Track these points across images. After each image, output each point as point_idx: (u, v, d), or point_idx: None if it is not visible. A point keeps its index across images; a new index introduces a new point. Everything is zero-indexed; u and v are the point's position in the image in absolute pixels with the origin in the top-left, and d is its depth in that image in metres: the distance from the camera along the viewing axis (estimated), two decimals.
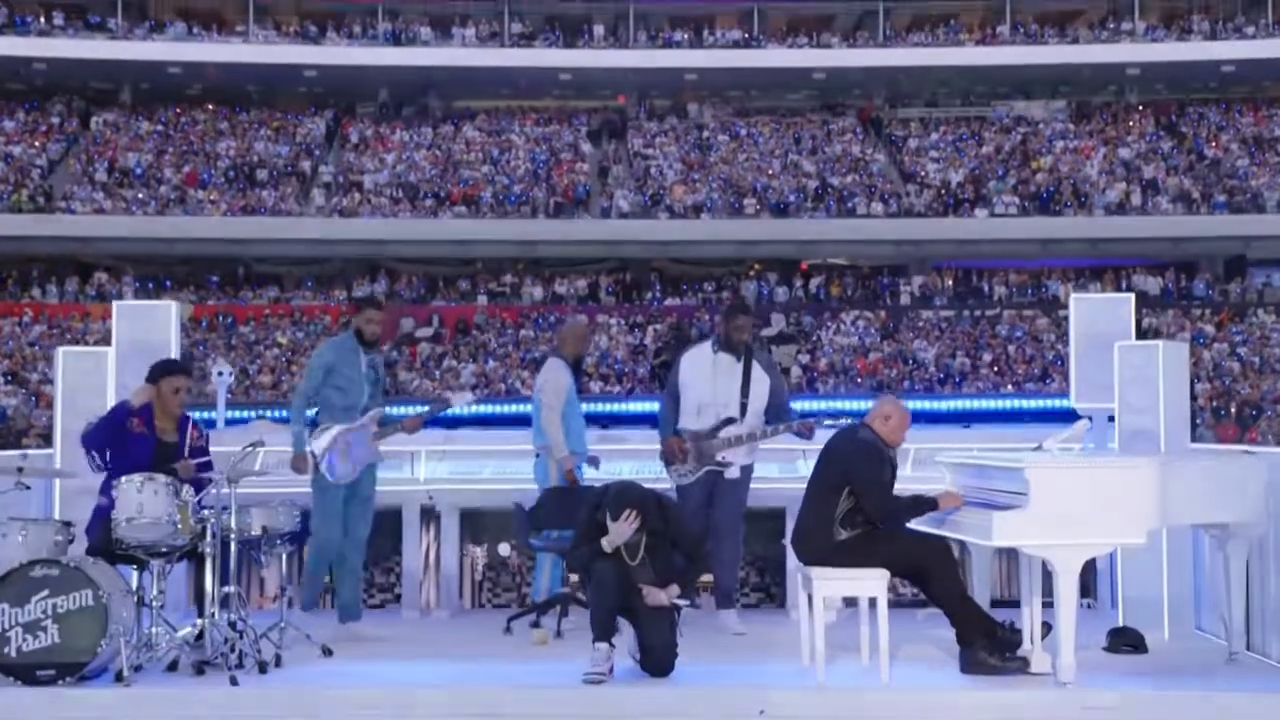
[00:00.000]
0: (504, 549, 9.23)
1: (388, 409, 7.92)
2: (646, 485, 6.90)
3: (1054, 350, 29.81)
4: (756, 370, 8.04)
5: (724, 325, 8.09)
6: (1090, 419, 8.27)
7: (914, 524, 6.99)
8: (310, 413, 7.74)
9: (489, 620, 8.24)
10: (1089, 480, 6.16)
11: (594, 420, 9.59)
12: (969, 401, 9.36)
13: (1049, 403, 9.33)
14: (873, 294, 35.35)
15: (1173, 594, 7.57)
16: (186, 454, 7.16)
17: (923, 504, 6.73)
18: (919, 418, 9.55)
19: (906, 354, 31.51)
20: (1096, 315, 8.29)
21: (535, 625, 7.90)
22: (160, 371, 7.31)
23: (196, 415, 7.54)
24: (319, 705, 6.13)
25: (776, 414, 8.06)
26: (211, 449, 7.31)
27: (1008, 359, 31.12)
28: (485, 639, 7.71)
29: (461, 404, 8.05)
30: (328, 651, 7.07)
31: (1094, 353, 8.13)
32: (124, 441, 7.07)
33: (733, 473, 8.04)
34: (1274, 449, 7.25)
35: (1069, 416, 8.98)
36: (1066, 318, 33.27)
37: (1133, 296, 8.27)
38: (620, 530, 6.59)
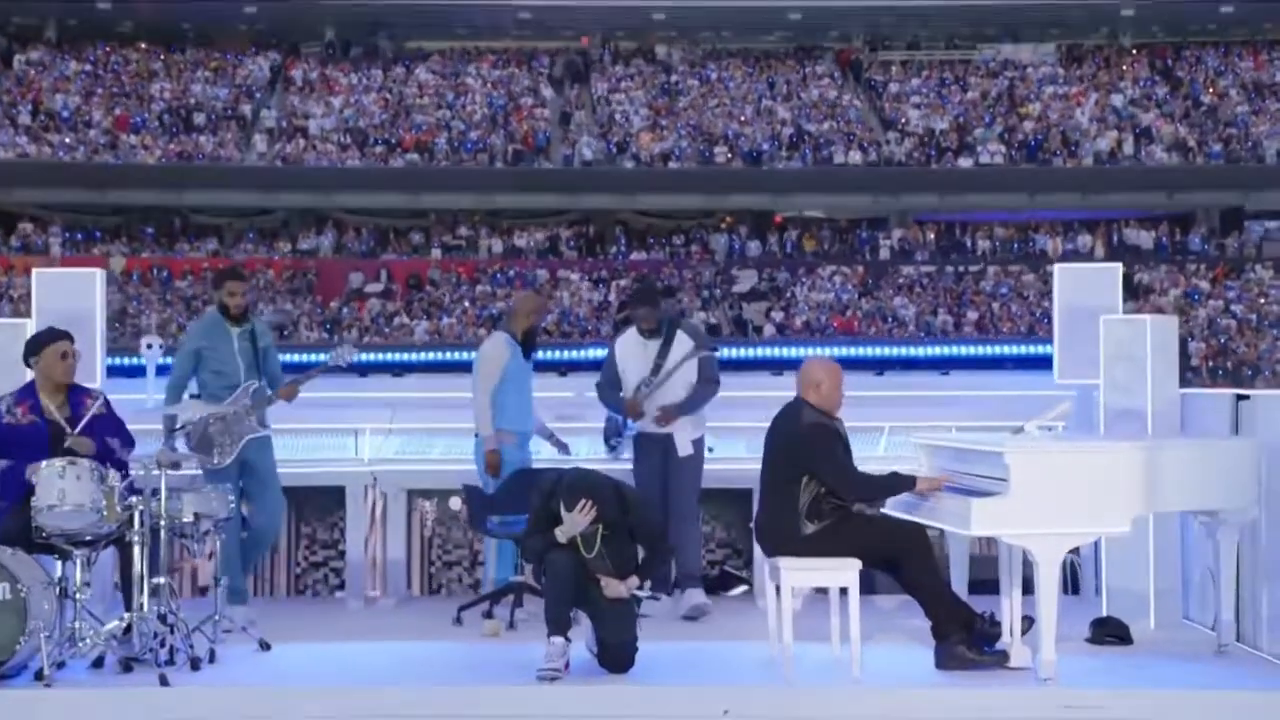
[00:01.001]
0: (455, 503, 9.24)
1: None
2: (604, 472, 6.87)
3: (1040, 308, 29.94)
4: (680, 337, 8.27)
5: (634, 315, 8.39)
6: (1074, 395, 8.29)
7: (888, 509, 7.02)
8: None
9: (438, 609, 8.21)
10: (1071, 466, 6.17)
11: (551, 366, 9.56)
12: (948, 348, 9.39)
13: (1031, 349, 9.37)
14: (850, 248, 35.40)
15: (1159, 582, 7.61)
16: (80, 429, 6.87)
17: (900, 482, 6.72)
18: (895, 364, 9.56)
19: (886, 311, 31.58)
20: (1082, 285, 8.28)
21: (488, 615, 7.89)
22: (38, 345, 7.05)
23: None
24: (254, 705, 6.09)
25: (712, 375, 8.26)
26: (139, 431, 7.24)
27: (992, 316, 31.25)
28: (434, 630, 7.69)
29: (343, 361, 7.98)
30: (265, 646, 7.03)
31: (1079, 325, 8.13)
32: (9, 440, 6.85)
33: (684, 449, 8.17)
34: (1270, 391, 7.22)
35: (1050, 363, 9.04)
36: (1054, 273, 33.23)
37: (1120, 266, 8.26)
38: (575, 521, 6.56)
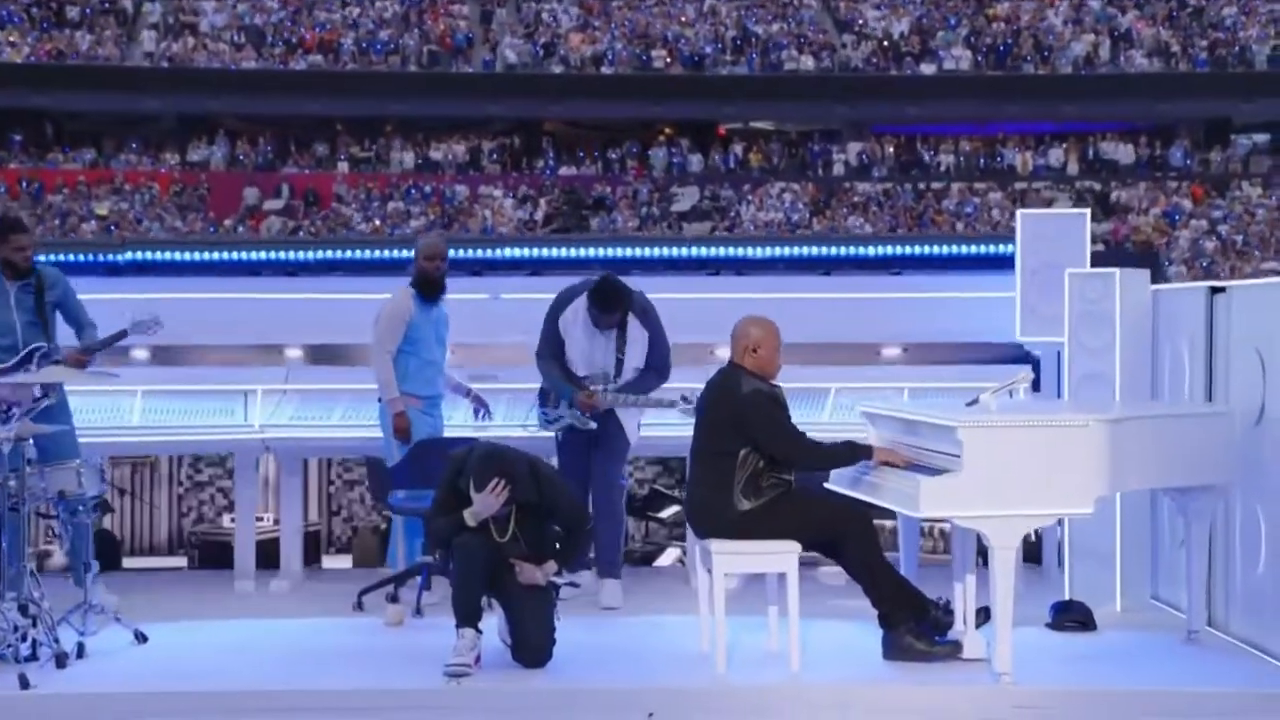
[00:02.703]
0: None
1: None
2: (518, 448, 6.84)
3: (1007, 229, 30.03)
4: (633, 326, 8.12)
5: (590, 310, 8.11)
6: (1037, 359, 8.35)
7: (830, 485, 7.04)
8: None
9: (336, 591, 8.18)
10: (1030, 442, 6.18)
11: (467, 264, 9.51)
12: (899, 247, 9.42)
13: (988, 248, 9.42)
14: (801, 163, 35.36)
15: (1127, 561, 7.71)
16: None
17: (856, 451, 6.71)
18: (842, 264, 9.60)
19: (840, 232, 31.60)
20: (1047, 234, 8.30)
21: (392, 599, 7.88)
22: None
23: None
24: (127, 710, 6.02)
25: (659, 364, 8.15)
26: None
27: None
28: (332, 616, 7.67)
29: (145, 331, 7.86)
30: (141, 637, 6.98)
31: (1043, 278, 8.15)
32: None
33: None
34: (1248, 281, 7.29)
35: (1009, 264, 9.08)
36: (1023, 191, 33.29)
37: (1088, 214, 8.28)
38: (486, 502, 6.53)
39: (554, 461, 8.12)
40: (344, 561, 10.92)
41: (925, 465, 6.46)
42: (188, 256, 9.73)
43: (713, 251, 9.78)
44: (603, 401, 7.99)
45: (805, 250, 9.88)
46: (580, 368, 8.09)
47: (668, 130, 36.02)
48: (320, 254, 9.68)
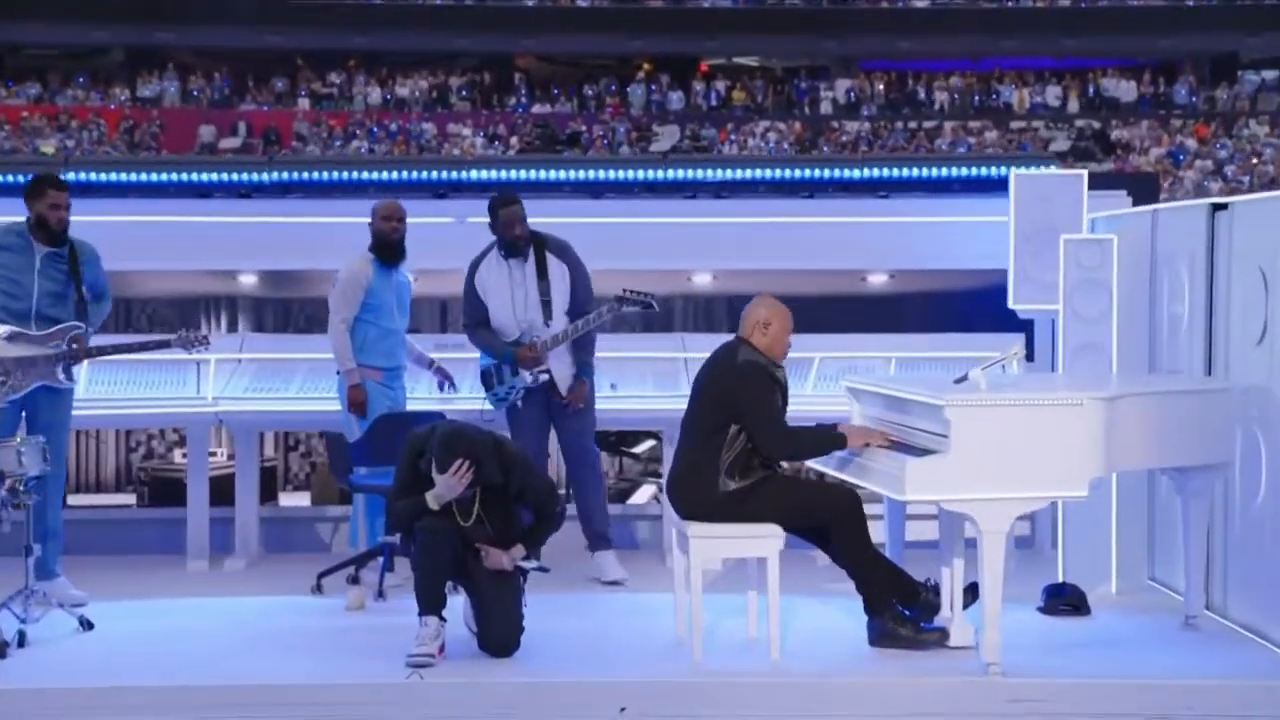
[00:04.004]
0: None
1: None
2: (482, 426, 6.82)
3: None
4: (552, 264, 8.11)
5: (495, 224, 8.13)
6: (1030, 324, 8.33)
7: (814, 464, 7.04)
8: None
9: (295, 571, 8.16)
10: (1021, 422, 6.16)
11: (431, 187, 9.49)
12: (887, 169, 9.33)
13: (980, 170, 9.35)
14: (787, 101, 35.29)
15: (1123, 540, 7.71)
16: None
17: (830, 440, 6.72)
18: (826, 186, 9.56)
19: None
20: (1041, 196, 8.26)
21: (354, 580, 7.87)
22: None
23: None
24: (68, 706, 5.98)
25: (581, 308, 8.15)
26: None
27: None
28: (290, 600, 7.67)
29: (185, 349, 7.85)
30: (87, 625, 6.95)
31: (1038, 242, 8.13)
32: None
33: (564, 387, 8.13)
34: (1251, 196, 7.30)
35: (1002, 187, 9.05)
36: (1020, 130, 33.12)
37: (1085, 175, 8.24)
38: (449, 485, 6.51)
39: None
40: (301, 499, 10.90)
41: (912, 445, 6.46)
42: (135, 178, 9.58)
43: (691, 174, 9.67)
44: (544, 349, 7.98)
45: (787, 173, 9.76)
46: (509, 330, 8.07)
47: (647, 66, 35.89)
48: (274, 175, 9.54)
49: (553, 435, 8.29)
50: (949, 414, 6.15)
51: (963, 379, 6.60)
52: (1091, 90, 35.29)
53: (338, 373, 8.14)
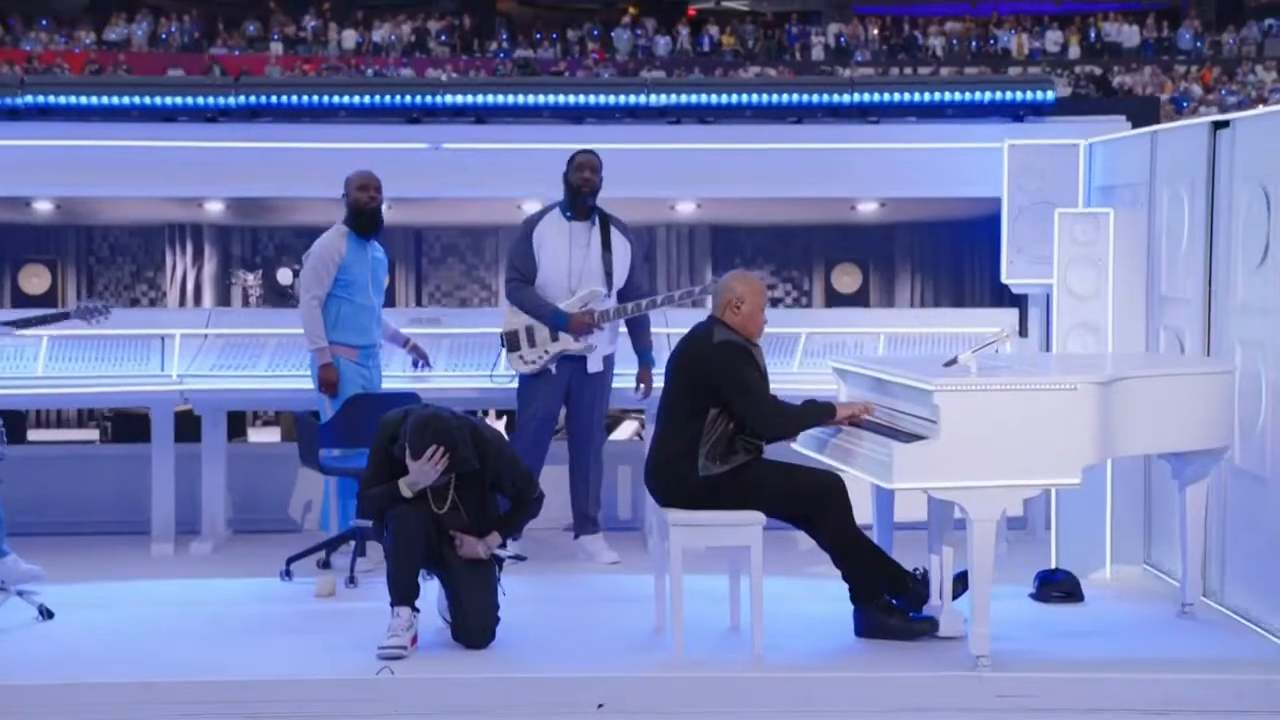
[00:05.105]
0: (284, 276, 9.11)
1: None
2: (457, 410, 6.79)
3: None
4: (616, 238, 8.14)
5: (568, 172, 8.13)
6: (1024, 298, 8.31)
7: (798, 448, 7.03)
8: None
9: (264, 555, 8.15)
10: (1012, 407, 6.14)
11: (404, 111, 9.45)
12: (878, 93, 9.18)
13: (975, 94, 9.25)
14: (778, 46, 35.12)
15: (1118, 524, 7.72)
16: None
17: (819, 411, 6.71)
18: (815, 111, 9.49)
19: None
20: (1037, 167, 8.24)
21: (324, 565, 7.87)
22: None
23: None
24: (25, 706, 5.94)
25: (635, 289, 8.23)
26: None
27: None
28: (257, 585, 7.67)
29: (85, 320, 7.82)
30: (46, 613, 6.93)
31: (1032, 213, 8.11)
32: None
33: (594, 365, 8.14)
34: (1259, 111, 7.27)
35: (1002, 111, 9.13)
36: (1019, 76, 33.10)
37: (1082, 145, 8.20)
38: (422, 471, 6.48)
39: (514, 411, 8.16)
40: (271, 434, 10.86)
41: (900, 429, 6.45)
42: (96, 100, 9.46)
43: (674, 98, 9.55)
44: (602, 319, 8.02)
45: (774, 97, 9.65)
46: (557, 292, 8.07)
47: (632, 9, 35.69)
48: (241, 99, 9.43)
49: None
50: (938, 399, 6.13)
51: (952, 362, 6.57)
52: (1093, 35, 35.17)
53: (310, 350, 8.10)
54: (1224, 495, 7.09)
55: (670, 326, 8.53)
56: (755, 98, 9.67)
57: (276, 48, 34.13)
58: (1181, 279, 7.46)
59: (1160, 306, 7.66)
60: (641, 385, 8.20)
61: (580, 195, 8.06)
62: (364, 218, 8.12)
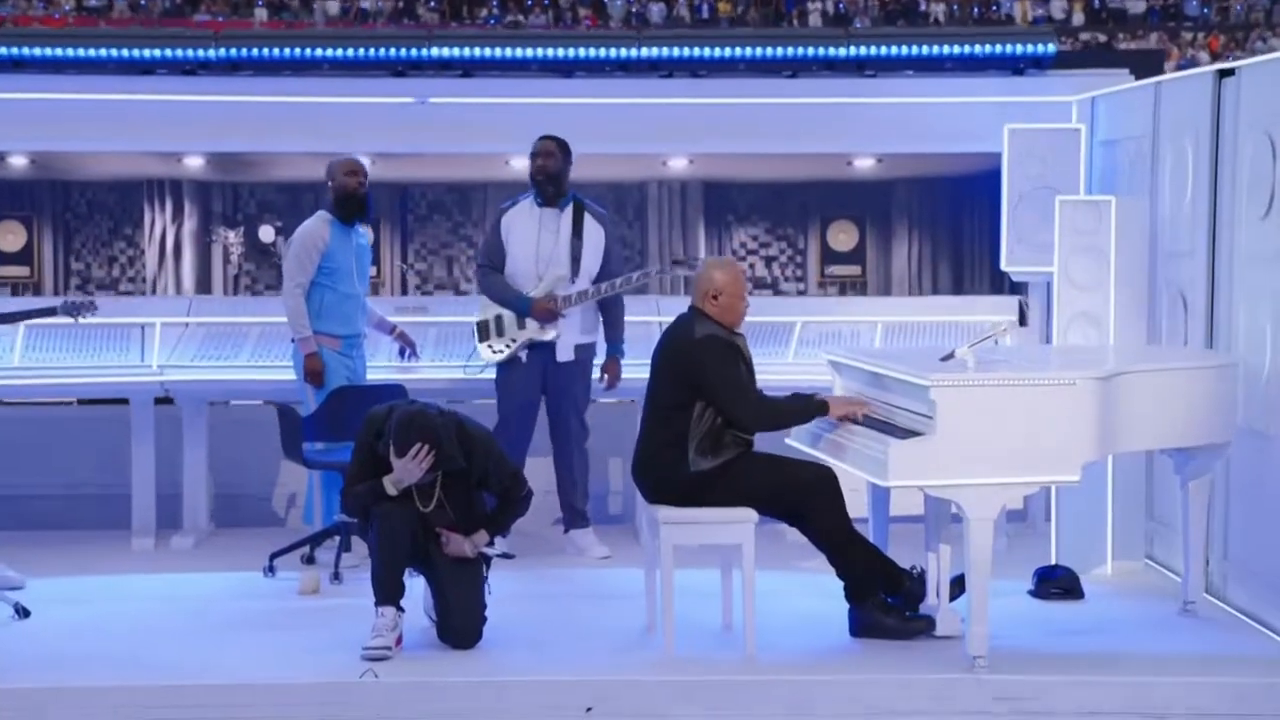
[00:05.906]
0: (266, 233, 9.09)
1: None
2: (443, 405, 6.79)
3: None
4: (589, 225, 8.17)
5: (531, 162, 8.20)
6: (1025, 292, 8.31)
7: (791, 443, 7.03)
8: None
9: (248, 548, 8.15)
10: (1011, 403, 6.14)
11: (389, 64, 9.46)
12: (874, 46, 9.09)
13: (975, 47, 9.19)
14: (775, 12, 34.95)
15: (1119, 519, 7.73)
16: None
17: (810, 407, 6.71)
18: (805, 64, 9.48)
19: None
20: (1037, 151, 8.23)
21: (308, 560, 7.89)
22: None
23: None
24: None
25: (609, 279, 8.23)
26: None
27: None
28: (240, 581, 7.69)
29: (72, 315, 7.83)
30: (23, 612, 6.93)
31: (1033, 200, 8.10)
32: None
33: (564, 354, 8.13)
34: (1265, 57, 7.26)
35: (1001, 65, 9.16)
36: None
37: (1083, 130, 8.19)
38: (407, 469, 6.48)
39: (491, 403, 8.16)
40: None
41: (895, 425, 6.44)
42: (71, 52, 9.43)
43: (665, 52, 9.50)
44: (564, 304, 8.04)
45: (768, 50, 9.60)
46: (525, 280, 8.10)
47: None
48: (221, 52, 9.40)
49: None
50: (935, 395, 6.13)
51: (949, 356, 6.57)
52: (1097, 1, 35.05)
53: (293, 340, 8.09)
54: (1229, 490, 7.10)
55: (662, 315, 8.52)
56: (749, 51, 9.61)
57: (260, 14, 33.91)
58: (1186, 233, 7.46)
59: (1163, 263, 7.66)
60: (605, 376, 8.20)
61: (535, 182, 8.13)
62: (352, 203, 8.10)
